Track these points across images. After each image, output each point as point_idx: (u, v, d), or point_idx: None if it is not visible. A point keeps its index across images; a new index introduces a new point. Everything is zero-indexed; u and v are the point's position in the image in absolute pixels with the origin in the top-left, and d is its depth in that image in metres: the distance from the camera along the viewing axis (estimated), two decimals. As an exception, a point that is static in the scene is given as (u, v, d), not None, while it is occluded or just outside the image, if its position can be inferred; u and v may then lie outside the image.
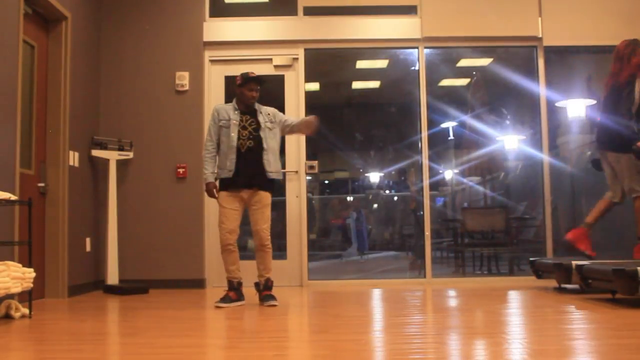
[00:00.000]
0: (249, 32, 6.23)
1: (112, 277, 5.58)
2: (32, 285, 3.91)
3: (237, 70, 5.18)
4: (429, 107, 6.32)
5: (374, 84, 8.96)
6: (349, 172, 10.60)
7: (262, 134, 4.54)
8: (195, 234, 5.95)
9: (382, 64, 7.67)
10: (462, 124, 8.42)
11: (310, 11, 6.26)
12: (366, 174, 10.24)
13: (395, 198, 10.49)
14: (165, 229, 5.93)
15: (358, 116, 9.87)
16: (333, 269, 8.34)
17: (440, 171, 8.40)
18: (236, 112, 4.58)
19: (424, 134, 6.27)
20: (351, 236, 9.35)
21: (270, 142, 4.57)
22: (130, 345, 2.94)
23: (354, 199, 10.22)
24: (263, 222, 4.53)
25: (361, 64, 7.86)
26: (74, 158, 5.33)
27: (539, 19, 6.24)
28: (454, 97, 8.41)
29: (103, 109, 6.04)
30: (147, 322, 3.69)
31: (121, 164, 5.92)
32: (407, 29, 6.27)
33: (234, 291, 4.51)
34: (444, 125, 8.41)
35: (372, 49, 6.67)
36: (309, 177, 6.44)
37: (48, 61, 5.16)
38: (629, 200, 4.97)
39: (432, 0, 6.24)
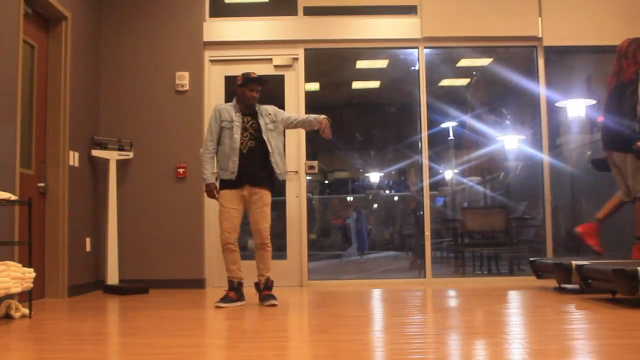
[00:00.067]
0: (249, 32, 6.23)
1: (112, 277, 5.58)
2: (32, 285, 3.91)
3: (237, 70, 5.19)
4: (429, 107, 6.32)
5: (374, 84, 8.96)
6: (349, 172, 10.61)
7: (264, 136, 4.53)
8: (195, 234, 5.95)
9: (382, 64, 7.67)
10: (462, 124, 8.42)
11: (310, 11, 6.26)
12: (366, 174, 10.25)
13: (395, 198, 10.49)
14: (165, 229, 5.93)
15: (358, 116, 9.87)
16: (333, 269, 8.35)
17: (440, 171, 8.40)
18: (237, 113, 4.58)
19: (424, 134, 6.27)
20: (351, 236, 9.35)
21: (274, 143, 4.57)
22: (130, 345, 2.94)
23: (354, 199, 10.23)
24: (264, 222, 4.54)
25: (361, 64, 7.86)
26: (74, 158, 5.33)
27: (539, 19, 6.24)
28: (454, 97, 8.41)
29: (103, 109, 6.04)
30: (147, 322, 3.69)
31: (121, 164, 5.92)
32: (407, 29, 6.27)
33: (234, 291, 4.51)
34: (444, 125, 8.42)
35: (372, 49, 6.67)
36: (309, 177, 6.44)
37: (48, 61, 5.16)
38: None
39: (432, 0, 6.24)
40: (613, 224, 5.29)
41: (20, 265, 3.86)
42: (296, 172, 6.09)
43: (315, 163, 6.17)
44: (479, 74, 8.25)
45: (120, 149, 5.86)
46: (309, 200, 7.08)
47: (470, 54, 7.06)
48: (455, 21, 6.24)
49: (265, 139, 4.53)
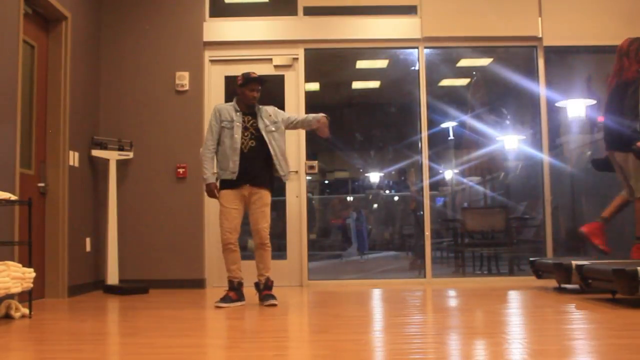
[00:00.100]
0: (249, 32, 6.23)
1: (112, 277, 5.58)
2: (32, 285, 3.91)
3: (237, 70, 5.19)
4: (429, 107, 6.32)
5: (374, 84, 8.96)
6: (349, 172, 10.61)
7: (266, 138, 4.53)
8: (195, 234, 5.95)
9: (382, 64, 7.67)
10: (462, 124, 8.42)
11: (310, 11, 6.26)
12: (366, 174, 10.25)
13: (396, 198, 10.50)
14: (165, 229, 5.93)
15: (358, 116, 9.87)
16: (333, 269, 8.35)
17: (440, 171, 8.40)
18: (238, 112, 4.57)
19: (424, 134, 6.27)
20: (351, 236, 9.35)
21: (276, 144, 4.57)
22: (130, 345, 2.94)
23: (354, 199, 10.23)
24: (263, 221, 4.54)
25: (361, 64, 7.86)
26: (74, 158, 5.33)
27: (539, 19, 6.24)
28: (454, 97, 8.41)
29: (103, 109, 6.04)
30: (147, 322, 3.69)
31: (121, 164, 5.92)
32: (407, 29, 6.27)
33: (234, 291, 4.51)
34: (444, 125, 8.42)
35: (372, 49, 6.67)
36: (309, 177, 6.44)
37: (48, 61, 5.16)
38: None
39: (432, 0, 6.24)
40: (613, 224, 5.28)
41: (20, 265, 3.86)
42: (296, 172, 6.09)
43: (315, 163, 6.17)
44: (479, 74, 8.25)
45: (120, 149, 5.86)
46: (309, 200, 7.08)
47: (470, 54, 7.06)
48: (455, 21, 6.24)
49: (267, 141, 4.53)
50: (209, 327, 3.56)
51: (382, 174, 10.13)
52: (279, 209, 6.06)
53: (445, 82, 8.26)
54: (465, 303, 4.42)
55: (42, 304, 4.67)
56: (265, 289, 4.53)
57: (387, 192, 10.42)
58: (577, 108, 6.99)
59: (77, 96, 5.45)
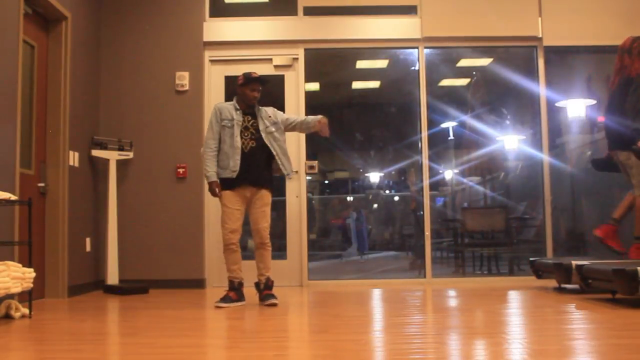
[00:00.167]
0: (249, 32, 6.23)
1: (112, 277, 5.58)
2: (32, 285, 3.91)
3: (237, 70, 5.19)
4: (429, 107, 6.32)
5: (374, 84, 8.96)
6: (349, 172, 10.60)
7: (266, 140, 4.53)
8: (195, 234, 5.95)
9: (382, 64, 7.67)
10: (462, 124, 8.42)
11: (310, 11, 6.26)
12: (366, 174, 10.25)
13: (396, 198, 10.49)
14: (165, 229, 5.93)
15: (358, 116, 9.87)
16: (333, 269, 8.35)
17: (440, 171, 8.40)
18: (238, 112, 4.58)
19: (424, 134, 6.27)
20: (351, 236, 9.35)
21: (277, 144, 4.57)
22: (130, 345, 2.94)
23: (354, 199, 10.23)
24: (264, 221, 4.54)
25: (361, 64, 7.86)
26: (74, 158, 5.33)
27: (539, 19, 6.24)
28: (454, 97, 8.41)
29: (103, 109, 6.04)
30: (147, 322, 3.69)
31: (121, 164, 5.92)
32: (407, 29, 6.27)
33: (235, 291, 4.51)
34: (444, 125, 8.42)
35: (372, 49, 6.67)
36: (309, 177, 6.44)
37: (48, 61, 5.16)
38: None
39: (432, 0, 6.24)
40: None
41: (20, 265, 3.86)
42: (296, 172, 6.08)
43: (315, 163, 6.17)
44: (479, 74, 8.25)
45: (120, 149, 5.86)
46: (309, 200, 7.08)
47: (470, 54, 7.06)
48: (455, 21, 6.24)
49: (268, 143, 4.54)
50: (209, 327, 3.56)
51: (382, 174, 10.12)
52: (279, 209, 6.06)
53: (445, 82, 8.25)
54: (465, 303, 4.42)
55: (42, 304, 4.67)
56: (265, 289, 4.53)
57: (387, 192, 10.42)
58: (577, 108, 6.98)
59: (77, 96, 5.45)
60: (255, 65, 5.92)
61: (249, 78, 4.57)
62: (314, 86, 7.30)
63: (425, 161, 6.26)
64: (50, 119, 5.13)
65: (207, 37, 6.14)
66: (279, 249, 6.01)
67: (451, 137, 8.72)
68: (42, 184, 5.01)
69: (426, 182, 6.25)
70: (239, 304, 4.48)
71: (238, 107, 4.59)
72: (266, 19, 6.30)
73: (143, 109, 6.05)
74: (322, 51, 6.41)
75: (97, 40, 6.01)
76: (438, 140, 7.52)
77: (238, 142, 4.48)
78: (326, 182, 10.52)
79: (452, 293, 5.16)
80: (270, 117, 4.63)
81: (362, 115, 9.86)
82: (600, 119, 6.37)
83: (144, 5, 6.15)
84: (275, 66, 6.23)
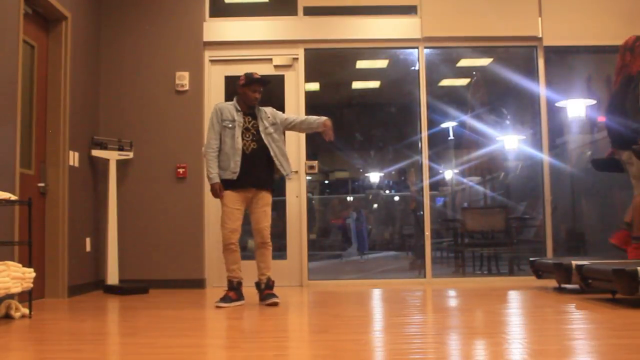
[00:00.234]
0: (249, 32, 6.23)
1: (112, 277, 5.58)
2: (32, 285, 3.91)
3: (237, 70, 5.20)
4: (429, 107, 6.32)
5: (374, 84, 8.96)
6: (349, 172, 10.60)
7: (265, 141, 4.53)
8: (195, 234, 5.95)
9: (382, 64, 7.67)
10: (462, 124, 8.42)
11: (310, 11, 6.26)
12: (366, 174, 10.25)
13: (396, 198, 10.49)
14: (165, 229, 5.93)
15: (358, 116, 9.87)
16: (333, 269, 8.35)
17: (440, 171, 8.40)
18: (239, 112, 4.57)
19: (424, 134, 6.27)
20: (351, 236, 9.35)
21: (275, 145, 4.57)
22: (130, 345, 2.94)
23: (354, 199, 10.23)
24: (264, 221, 4.55)
25: (361, 64, 7.86)
26: (74, 158, 5.33)
27: (539, 19, 6.24)
28: (454, 97, 8.41)
29: (103, 109, 6.04)
30: (147, 322, 3.69)
31: (121, 164, 5.92)
32: (407, 29, 6.27)
33: (234, 291, 4.51)
34: (444, 125, 8.41)
35: (372, 49, 6.67)
36: (309, 177, 6.44)
37: (48, 61, 5.16)
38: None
39: (432, 0, 6.24)
40: (611, 224, 5.28)
41: (20, 265, 3.86)
42: (296, 172, 6.09)
43: (315, 163, 6.17)
44: (479, 74, 8.25)
45: (120, 149, 5.86)
46: (309, 200, 7.08)
47: (470, 54, 7.06)
48: (455, 21, 6.24)
49: (267, 143, 4.54)
50: (209, 327, 3.56)
51: (382, 174, 10.12)
52: (279, 209, 6.06)
53: (445, 82, 8.25)
54: (465, 303, 4.42)
55: (42, 304, 4.67)
56: (266, 289, 4.53)
57: (387, 192, 10.42)
58: (577, 108, 6.98)
59: (77, 96, 5.45)
60: (255, 65, 5.93)
61: (250, 79, 4.56)
62: (314, 86, 7.30)
63: (425, 161, 6.27)
64: (50, 119, 5.13)
65: (207, 37, 6.14)
66: (279, 249, 6.01)
67: (451, 137, 8.72)
68: (42, 184, 5.01)
69: (426, 182, 6.25)
70: (239, 303, 4.48)
71: (239, 108, 4.58)
72: (266, 19, 6.30)
73: (143, 109, 6.05)
74: (322, 51, 6.41)
75: (97, 40, 6.01)
76: (438, 140, 7.52)
77: (239, 143, 4.48)
78: (326, 182, 10.51)
79: (452, 293, 5.16)
80: (269, 117, 4.63)
81: (362, 115, 9.86)
82: (601, 118, 6.37)
83: (144, 5, 6.15)
84: (275, 66, 6.23)
